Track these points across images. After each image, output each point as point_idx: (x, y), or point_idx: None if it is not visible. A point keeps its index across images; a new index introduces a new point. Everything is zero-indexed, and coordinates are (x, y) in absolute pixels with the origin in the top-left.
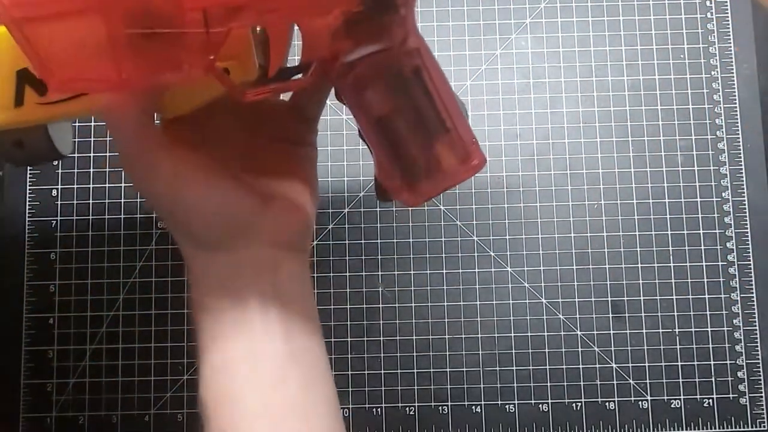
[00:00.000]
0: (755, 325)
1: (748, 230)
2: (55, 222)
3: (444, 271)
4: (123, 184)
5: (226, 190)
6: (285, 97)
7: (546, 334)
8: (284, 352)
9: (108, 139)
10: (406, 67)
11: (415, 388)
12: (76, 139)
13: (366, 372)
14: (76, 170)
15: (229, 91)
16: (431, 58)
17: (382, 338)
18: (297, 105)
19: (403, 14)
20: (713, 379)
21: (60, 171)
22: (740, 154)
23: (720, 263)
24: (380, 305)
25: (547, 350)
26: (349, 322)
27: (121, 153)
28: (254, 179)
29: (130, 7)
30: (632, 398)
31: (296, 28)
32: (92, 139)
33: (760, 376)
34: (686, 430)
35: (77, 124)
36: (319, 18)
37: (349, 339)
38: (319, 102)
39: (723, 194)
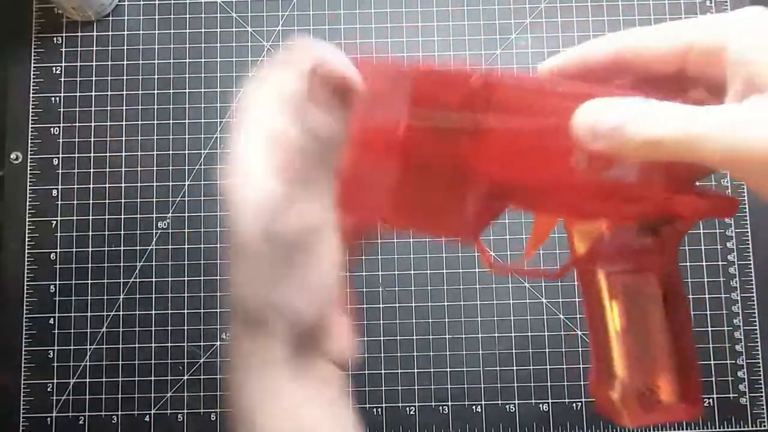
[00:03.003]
0: (755, 325)
1: (748, 230)
2: (55, 222)
3: (444, 271)
4: (123, 184)
5: None
6: None
7: (546, 333)
8: None
9: (108, 139)
10: (654, 291)
11: (416, 387)
12: (76, 140)
13: (366, 372)
14: (76, 170)
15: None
16: (680, 288)
17: (382, 338)
18: None
19: (668, 243)
20: (713, 379)
21: (60, 171)
22: None
23: (720, 263)
24: (380, 305)
25: (547, 350)
26: None
27: None
28: None
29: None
30: None
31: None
32: (92, 139)
33: (760, 375)
34: (686, 429)
35: (77, 124)
36: (589, 222)
37: None
38: None
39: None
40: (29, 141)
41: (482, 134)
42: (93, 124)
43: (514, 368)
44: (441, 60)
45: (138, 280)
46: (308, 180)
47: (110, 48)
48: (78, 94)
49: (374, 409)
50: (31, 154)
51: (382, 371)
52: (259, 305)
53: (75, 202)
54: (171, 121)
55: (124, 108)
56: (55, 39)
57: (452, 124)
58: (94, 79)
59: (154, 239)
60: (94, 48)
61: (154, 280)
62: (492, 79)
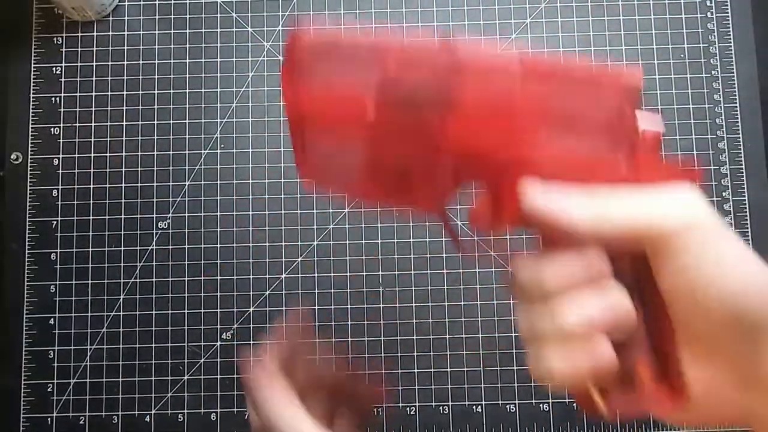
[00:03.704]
0: None
1: (749, 230)
2: (55, 222)
3: (444, 271)
4: (123, 184)
5: None
6: None
7: None
8: None
9: (108, 139)
10: (627, 278)
11: (416, 387)
12: (76, 140)
13: (366, 372)
14: (76, 170)
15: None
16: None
17: (382, 338)
18: None
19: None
20: None
21: (60, 171)
22: (740, 154)
23: None
24: (380, 305)
25: None
26: (349, 322)
27: None
28: None
29: (399, 155)
30: None
31: None
32: (92, 139)
33: None
34: (686, 429)
35: (77, 124)
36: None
37: (349, 339)
38: None
39: (723, 194)
40: (29, 141)
41: (452, 106)
42: (93, 124)
43: (515, 368)
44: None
45: (138, 280)
46: None
47: (110, 48)
48: (78, 94)
49: (374, 409)
50: (31, 154)
51: (382, 371)
52: None
53: (75, 202)
54: (171, 121)
55: (124, 108)
56: (55, 39)
57: (421, 96)
58: (94, 79)
59: (154, 239)
60: (94, 48)
61: (154, 280)
62: (461, 52)
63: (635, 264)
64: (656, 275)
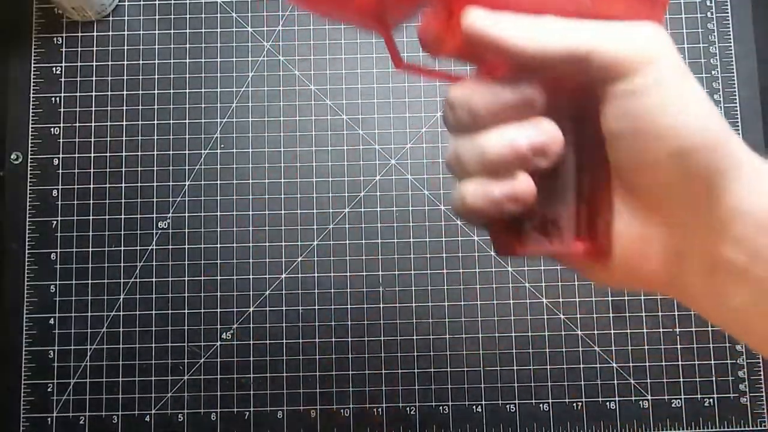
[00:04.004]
0: None
1: None
2: (55, 222)
3: (444, 271)
4: (123, 184)
5: None
6: None
7: (546, 333)
8: None
9: (108, 139)
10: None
11: (416, 387)
12: (77, 140)
13: (366, 372)
14: (76, 170)
15: None
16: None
17: (382, 338)
18: None
19: None
20: (714, 379)
21: (60, 171)
22: None
23: None
24: (380, 305)
25: (547, 350)
26: (349, 322)
27: None
28: None
29: None
30: (633, 398)
31: None
32: (92, 139)
33: (760, 375)
34: (687, 429)
35: (77, 124)
36: None
37: (349, 339)
38: None
39: None
40: (29, 141)
41: None
42: (93, 124)
43: (514, 368)
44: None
45: (138, 280)
46: None
47: (110, 48)
48: (78, 94)
49: (374, 409)
50: (31, 154)
51: (383, 371)
52: None
53: (75, 202)
54: (171, 121)
55: (124, 108)
56: (55, 39)
57: None
58: (94, 79)
59: (154, 239)
60: (94, 48)
61: (154, 280)
62: None
63: (576, 105)
64: (602, 116)
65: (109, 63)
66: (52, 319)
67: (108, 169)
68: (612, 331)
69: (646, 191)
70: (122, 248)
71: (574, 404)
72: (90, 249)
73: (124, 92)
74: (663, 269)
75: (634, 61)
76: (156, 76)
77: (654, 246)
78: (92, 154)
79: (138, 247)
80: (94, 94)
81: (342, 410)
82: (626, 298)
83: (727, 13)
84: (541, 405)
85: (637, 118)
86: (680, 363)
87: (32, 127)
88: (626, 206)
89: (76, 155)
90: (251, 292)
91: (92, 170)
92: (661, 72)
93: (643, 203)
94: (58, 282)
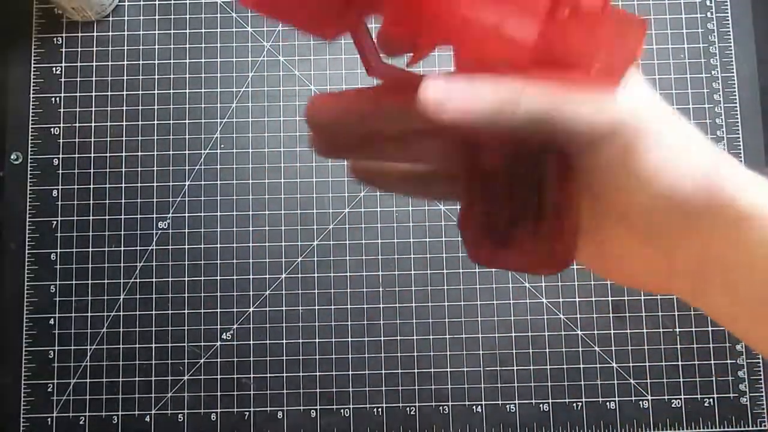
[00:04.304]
0: None
1: None
2: (55, 222)
3: (444, 271)
4: (123, 184)
5: None
6: None
7: (546, 333)
8: None
9: (108, 139)
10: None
11: (416, 387)
12: (77, 140)
13: (366, 372)
14: (76, 170)
15: None
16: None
17: (382, 338)
18: None
19: None
20: (714, 379)
21: (60, 171)
22: (740, 154)
23: None
24: (380, 305)
25: (547, 350)
26: (349, 322)
27: None
28: None
29: None
30: (633, 398)
31: None
32: (92, 139)
33: (760, 375)
34: (687, 429)
35: (77, 124)
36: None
37: (349, 339)
38: None
39: None
40: (29, 141)
41: None
42: (93, 124)
43: (514, 368)
44: (440, 60)
45: (138, 280)
46: None
47: (110, 48)
48: (78, 94)
49: (374, 409)
50: (31, 154)
51: (382, 371)
52: None
53: (75, 202)
54: (171, 121)
55: (124, 108)
56: (55, 39)
57: None
58: (94, 79)
59: (154, 239)
60: (94, 48)
61: (154, 280)
62: None
63: (527, 154)
64: (579, 170)
65: (109, 63)
66: (52, 319)
67: (108, 169)
68: (612, 331)
69: (637, 222)
70: (122, 248)
71: (574, 404)
72: (90, 249)
73: (124, 92)
74: (661, 280)
75: (599, 132)
76: (156, 76)
77: (651, 263)
78: (92, 154)
79: (138, 248)
80: (94, 94)
81: (342, 410)
82: (626, 298)
83: (727, 13)
84: (541, 405)
85: (607, 187)
86: (680, 363)
87: (32, 127)
88: (617, 228)
89: (76, 155)
90: (251, 292)
91: (92, 170)
92: (628, 140)
93: (632, 231)
94: (58, 282)
